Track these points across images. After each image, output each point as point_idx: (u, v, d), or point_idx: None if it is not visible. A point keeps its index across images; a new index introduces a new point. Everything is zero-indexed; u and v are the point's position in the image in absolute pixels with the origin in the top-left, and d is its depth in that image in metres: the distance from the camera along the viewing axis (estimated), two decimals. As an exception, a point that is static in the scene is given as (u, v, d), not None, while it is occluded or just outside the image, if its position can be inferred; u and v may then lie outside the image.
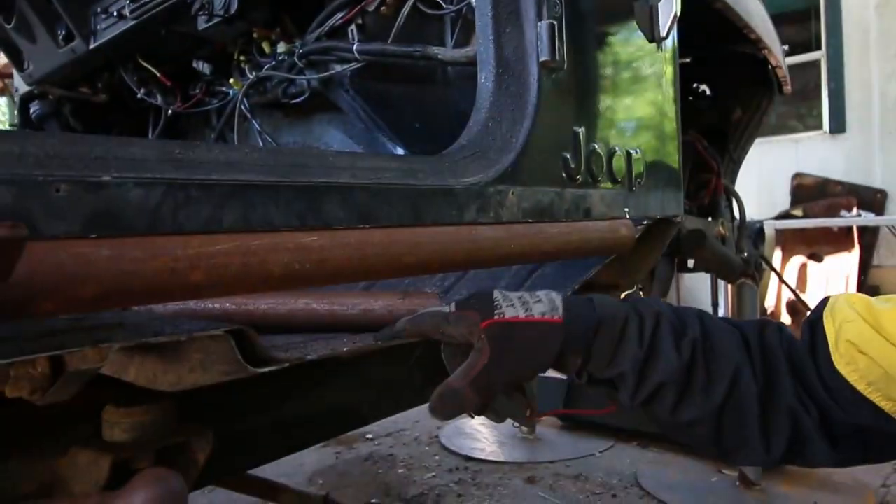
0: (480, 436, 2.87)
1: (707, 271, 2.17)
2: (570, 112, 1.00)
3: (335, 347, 0.68)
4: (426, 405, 0.66)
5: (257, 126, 1.50)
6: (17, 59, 1.70)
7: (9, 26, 1.63)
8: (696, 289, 4.36)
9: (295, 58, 1.28)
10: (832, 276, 4.98)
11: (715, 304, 2.72)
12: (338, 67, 1.25)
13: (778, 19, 2.09)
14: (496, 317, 0.65)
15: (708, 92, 2.20)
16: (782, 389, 0.65)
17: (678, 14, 1.15)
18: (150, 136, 1.73)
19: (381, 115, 1.29)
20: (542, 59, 0.93)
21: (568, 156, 0.98)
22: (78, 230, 0.44)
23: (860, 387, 0.60)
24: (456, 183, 0.79)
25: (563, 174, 0.97)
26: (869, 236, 5.39)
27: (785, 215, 5.55)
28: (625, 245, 1.06)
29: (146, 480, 0.48)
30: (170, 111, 1.63)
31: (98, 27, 1.47)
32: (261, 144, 1.50)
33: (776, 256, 4.87)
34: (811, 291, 4.88)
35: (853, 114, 5.81)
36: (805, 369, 0.65)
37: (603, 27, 1.10)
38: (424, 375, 0.94)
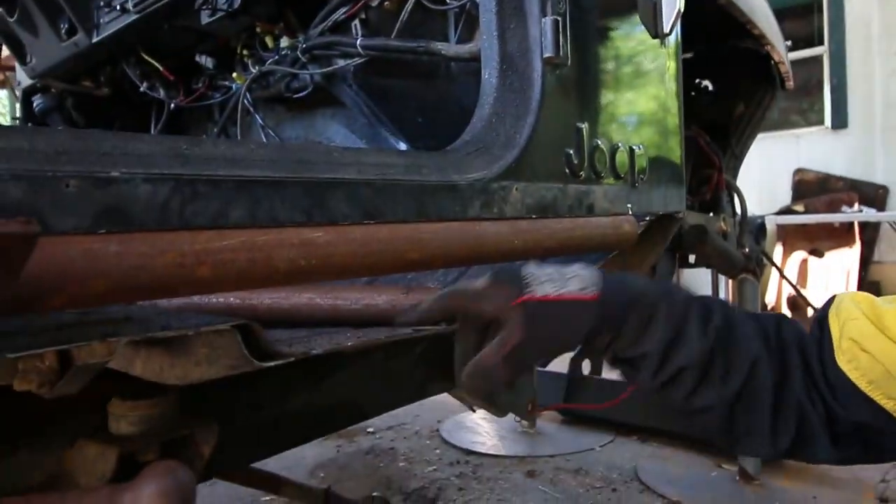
0: (481, 430, 2.88)
1: (708, 266, 2.18)
2: (573, 108, 1.01)
3: (340, 342, 0.69)
4: (427, 399, 0.66)
5: (260, 120, 1.50)
6: (19, 52, 1.70)
7: (11, 19, 1.62)
8: (697, 284, 4.36)
9: (298, 52, 1.28)
10: (833, 272, 4.99)
11: (715, 300, 2.71)
12: (341, 62, 1.25)
13: (780, 14, 2.09)
14: (529, 293, 0.64)
15: (710, 87, 2.20)
16: (794, 384, 0.65)
17: (682, 10, 1.15)
18: (152, 130, 1.73)
19: (384, 110, 1.29)
20: (546, 55, 0.93)
21: (571, 152, 0.98)
22: (87, 226, 0.44)
23: (861, 385, 0.60)
24: (460, 179, 0.79)
25: (567, 170, 0.97)
26: (870, 232, 5.39)
27: (786, 211, 5.55)
28: (627, 241, 1.06)
29: (156, 472, 0.48)
30: (172, 105, 1.63)
31: (101, 21, 1.47)
32: (263, 139, 1.50)
33: (777, 252, 4.87)
34: (812, 287, 4.88)
35: (855, 109, 5.81)
36: (812, 366, 0.66)
37: (606, 23, 1.10)
38: (426, 370, 0.95)
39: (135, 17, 1.37)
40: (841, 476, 2.27)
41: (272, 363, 0.57)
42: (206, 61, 1.53)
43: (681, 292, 0.69)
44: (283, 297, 0.82)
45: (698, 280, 4.33)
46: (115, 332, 0.51)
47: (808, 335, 0.68)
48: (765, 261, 2.35)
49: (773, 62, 1.97)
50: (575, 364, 2.90)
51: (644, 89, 1.19)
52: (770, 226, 4.72)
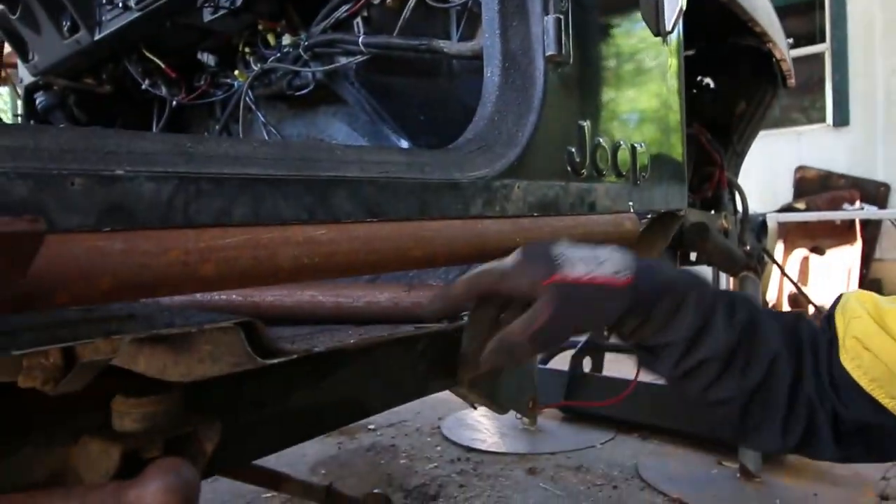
0: (482, 427, 2.89)
1: (709, 264, 2.18)
2: (575, 106, 1.01)
3: (342, 339, 0.69)
4: (429, 396, 0.66)
5: (262, 118, 1.50)
6: (21, 49, 1.70)
7: (14, 17, 1.63)
8: (698, 282, 4.36)
9: (300, 50, 1.28)
10: (834, 270, 4.99)
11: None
12: (343, 60, 1.25)
13: (782, 11, 2.09)
14: (560, 274, 0.64)
15: (712, 85, 2.20)
16: (806, 381, 0.66)
17: (683, 8, 1.15)
18: (154, 127, 1.73)
19: (386, 107, 1.29)
20: (549, 53, 0.93)
21: (573, 150, 0.98)
22: (92, 223, 0.44)
23: (863, 383, 0.61)
24: (462, 177, 0.79)
25: (569, 168, 0.97)
26: (871, 229, 5.39)
27: (787, 208, 5.55)
28: (629, 239, 1.06)
29: (160, 469, 0.49)
30: (174, 102, 1.63)
31: (103, 18, 1.48)
32: (265, 136, 1.50)
33: (778, 249, 4.86)
34: (813, 285, 4.88)
35: (857, 107, 5.80)
36: (821, 364, 0.66)
37: (608, 21, 1.10)
38: (428, 367, 0.95)
39: (137, 14, 1.37)
40: (842, 473, 2.27)
41: (275, 360, 0.58)
42: (207, 59, 1.54)
43: (708, 284, 0.69)
44: (286, 295, 0.82)
45: (699, 278, 4.34)
46: (119, 329, 0.52)
47: (821, 334, 0.68)
48: (766, 258, 2.36)
49: (774, 60, 1.97)
50: (576, 361, 2.91)
51: (646, 87, 1.20)
52: (771, 223, 4.73)
